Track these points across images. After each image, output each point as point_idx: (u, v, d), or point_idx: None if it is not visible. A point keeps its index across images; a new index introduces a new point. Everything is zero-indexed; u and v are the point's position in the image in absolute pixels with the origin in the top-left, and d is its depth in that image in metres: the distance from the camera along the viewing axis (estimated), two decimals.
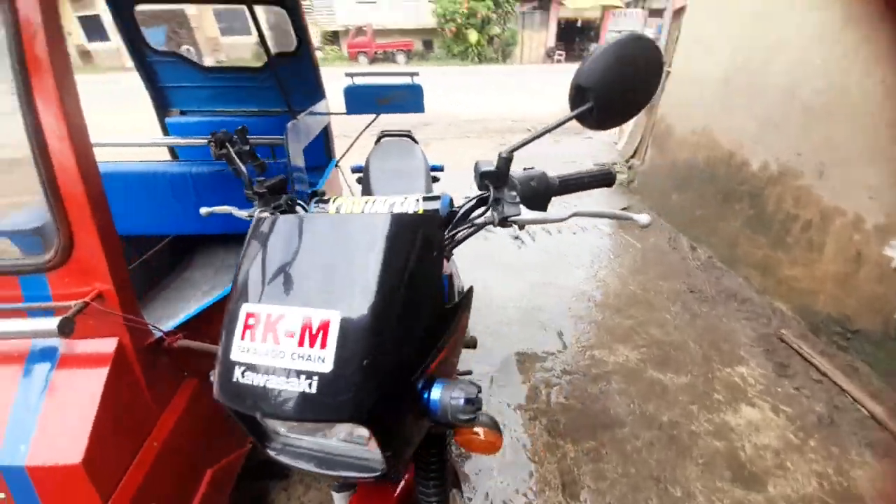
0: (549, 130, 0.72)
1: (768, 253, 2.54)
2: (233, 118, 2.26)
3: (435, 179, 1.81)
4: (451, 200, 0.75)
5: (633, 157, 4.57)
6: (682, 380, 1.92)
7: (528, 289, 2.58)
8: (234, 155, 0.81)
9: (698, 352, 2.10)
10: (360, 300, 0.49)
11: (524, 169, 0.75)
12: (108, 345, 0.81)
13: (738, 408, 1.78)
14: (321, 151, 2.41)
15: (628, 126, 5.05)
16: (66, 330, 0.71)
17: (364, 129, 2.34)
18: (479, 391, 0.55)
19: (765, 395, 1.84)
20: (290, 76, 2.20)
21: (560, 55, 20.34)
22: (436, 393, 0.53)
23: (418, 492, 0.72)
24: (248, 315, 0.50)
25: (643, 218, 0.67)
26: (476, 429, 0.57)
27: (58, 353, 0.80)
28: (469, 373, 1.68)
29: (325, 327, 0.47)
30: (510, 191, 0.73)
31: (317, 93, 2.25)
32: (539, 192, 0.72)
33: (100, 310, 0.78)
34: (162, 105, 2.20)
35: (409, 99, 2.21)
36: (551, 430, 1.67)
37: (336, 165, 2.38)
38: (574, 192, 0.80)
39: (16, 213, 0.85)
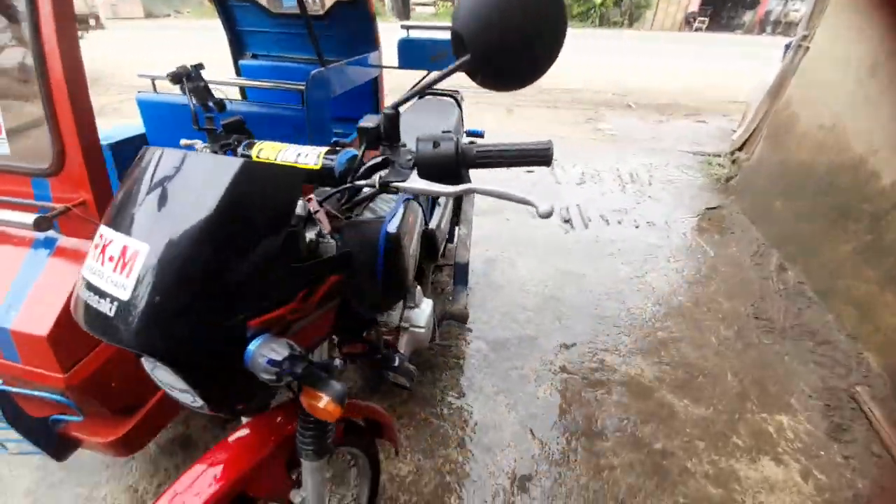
0: (429, 85, 0.64)
1: (874, 291, 2.02)
2: (297, 64, 2.38)
3: None
4: (354, 157, 0.72)
5: (741, 148, 3.85)
6: (698, 410, 1.68)
7: (557, 276, 2.41)
8: (188, 91, 0.86)
9: (735, 386, 1.80)
10: (173, 238, 0.50)
11: (443, 132, 0.68)
12: (87, 245, 0.96)
13: (758, 459, 1.51)
14: (369, 103, 2.45)
15: (750, 111, 4.22)
16: (41, 226, 0.85)
17: (414, 87, 2.31)
18: (296, 357, 0.51)
19: (800, 454, 1.53)
20: (347, 25, 2.23)
21: (702, 22, 17.51)
22: (252, 346, 0.52)
23: (297, 440, 0.75)
24: (100, 236, 0.54)
25: (544, 206, 0.57)
26: (321, 394, 0.56)
27: (55, 245, 0.97)
28: (449, 346, 1.66)
29: (134, 258, 0.49)
30: (406, 154, 0.67)
31: (371, 44, 2.25)
32: (443, 162, 0.65)
33: (78, 215, 0.92)
34: (237, 48, 2.40)
35: None
36: (523, 422, 1.60)
37: None
38: (496, 168, 0.71)
39: (29, 127, 1.01)
